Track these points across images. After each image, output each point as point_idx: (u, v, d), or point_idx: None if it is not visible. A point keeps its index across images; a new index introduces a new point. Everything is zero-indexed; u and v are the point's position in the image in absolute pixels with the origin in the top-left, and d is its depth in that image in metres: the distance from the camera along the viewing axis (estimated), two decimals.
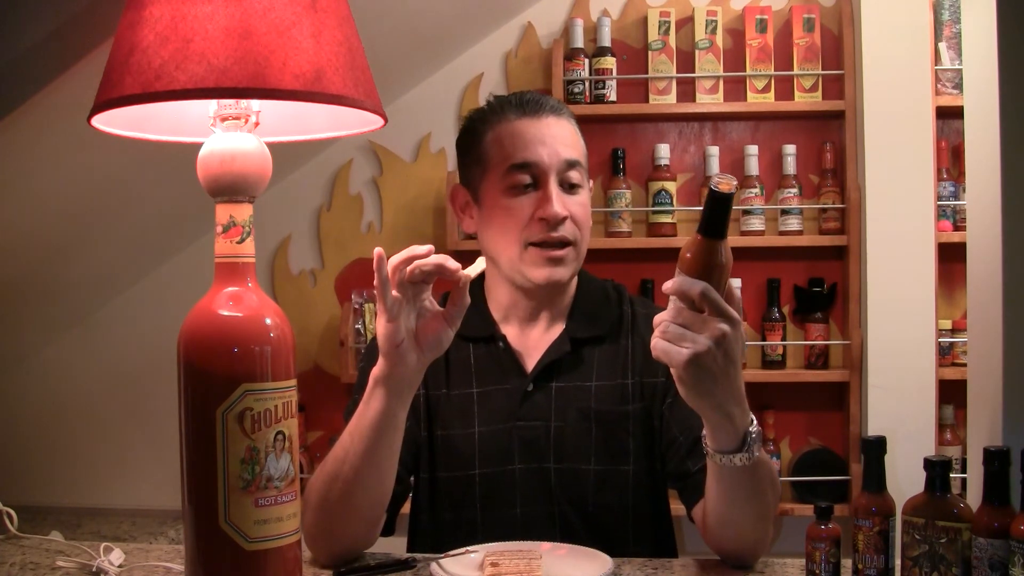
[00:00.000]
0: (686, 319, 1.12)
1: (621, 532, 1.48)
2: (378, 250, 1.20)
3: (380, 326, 1.23)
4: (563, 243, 1.45)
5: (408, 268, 1.19)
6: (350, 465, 1.29)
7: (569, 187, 1.47)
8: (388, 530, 1.44)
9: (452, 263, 1.20)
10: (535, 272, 1.45)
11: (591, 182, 1.59)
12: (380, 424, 1.26)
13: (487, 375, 1.50)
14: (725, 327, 1.12)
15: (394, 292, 1.20)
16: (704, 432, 1.23)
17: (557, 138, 1.47)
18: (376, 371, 1.26)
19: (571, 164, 1.47)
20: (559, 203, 1.44)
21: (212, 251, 1.11)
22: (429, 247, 1.20)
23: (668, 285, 1.12)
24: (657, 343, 1.13)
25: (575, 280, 1.55)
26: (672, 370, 1.14)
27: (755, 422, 1.21)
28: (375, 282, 1.21)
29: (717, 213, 1.10)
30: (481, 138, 1.50)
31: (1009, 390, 1.27)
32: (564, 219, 1.44)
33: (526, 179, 1.45)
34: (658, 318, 1.14)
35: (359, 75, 1.11)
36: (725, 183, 1.09)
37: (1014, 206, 1.27)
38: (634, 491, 1.48)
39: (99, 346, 3.00)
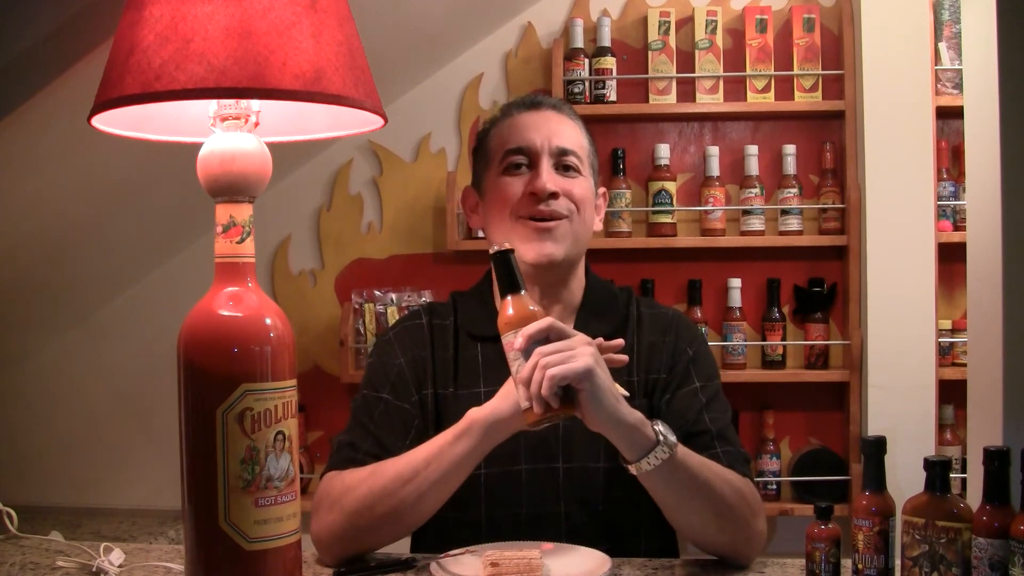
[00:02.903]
0: (553, 349, 1.22)
1: (631, 530, 1.49)
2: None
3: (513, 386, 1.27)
4: (554, 215, 1.47)
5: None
6: (415, 489, 1.32)
7: (565, 169, 1.50)
8: None
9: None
10: (526, 249, 1.46)
11: (604, 190, 1.61)
12: (465, 463, 1.32)
13: (495, 374, 1.50)
14: (587, 337, 1.26)
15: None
16: (620, 454, 1.30)
17: (553, 127, 1.51)
18: (480, 413, 1.30)
19: (565, 151, 1.50)
20: (549, 178, 1.47)
21: (212, 251, 1.11)
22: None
23: (519, 342, 1.23)
24: (549, 373, 1.19)
25: (583, 279, 1.56)
26: (580, 391, 1.22)
27: (656, 420, 1.30)
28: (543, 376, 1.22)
29: (508, 271, 1.28)
30: (487, 137, 1.57)
31: (1009, 390, 1.27)
32: (555, 194, 1.46)
33: (521, 160, 1.50)
34: (525, 369, 1.22)
35: (359, 75, 1.11)
36: (503, 245, 1.28)
37: (1014, 206, 1.27)
38: (642, 489, 1.48)
39: (99, 346, 3.00)
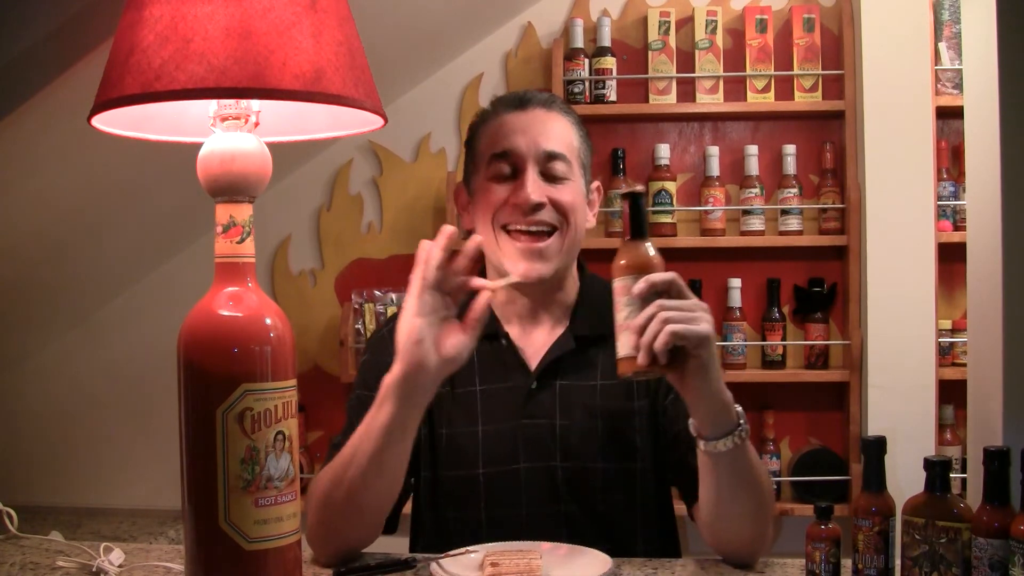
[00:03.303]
0: (677, 304, 1.17)
1: (630, 531, 1.48)
2: (450, 229, 1.21)
3: (404, 321, 1.21)
4: (541, 231, 1.44)
5: (435, 270, 1.20)
6: (356, 468, 1.28)
7: (552, 178, 1.46)
8: (391, 527, 1.44)
9: (480, 281, 1.23)
10: (513, 267, 1.44)
11: (597, 183, 1.57)
12: (390, 431, 1.25)
13: (491, 373, 1.50)
14: (706, 305, 1.20)
15: (429, 293, 1.20)
16: (696, 427, 1.26)
17: (540, 129, 1.46)
18: (390, 377, 1.24)
19: (552, 156, 1.46)
20: (534, 188, 1.43)
21: (212, 251, 1.11)
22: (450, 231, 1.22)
23: (640, 287, 1.17)
24: (669, 328, 1.14)
25: (577, 279, 1.55)
26: (692, 356, 1.17)
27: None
28: (421, 271, 1.20)
29: (638, 214, 1.22)
30: (475, 136, 1.53)
31: (1009, 390, 1.27)
32: (540, 205, 1.43)
33: (505, 168, 1.46)
34: (642, 316, 1.16)
35: (359, 75, 1.11)
36: (636, 186, 1.23)
37: (1014, 206, 1.27)
38: (642, 489, 1.48)
39: (99, 346, 3.00)
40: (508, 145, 1.46)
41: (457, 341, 1.22)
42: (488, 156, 1.47)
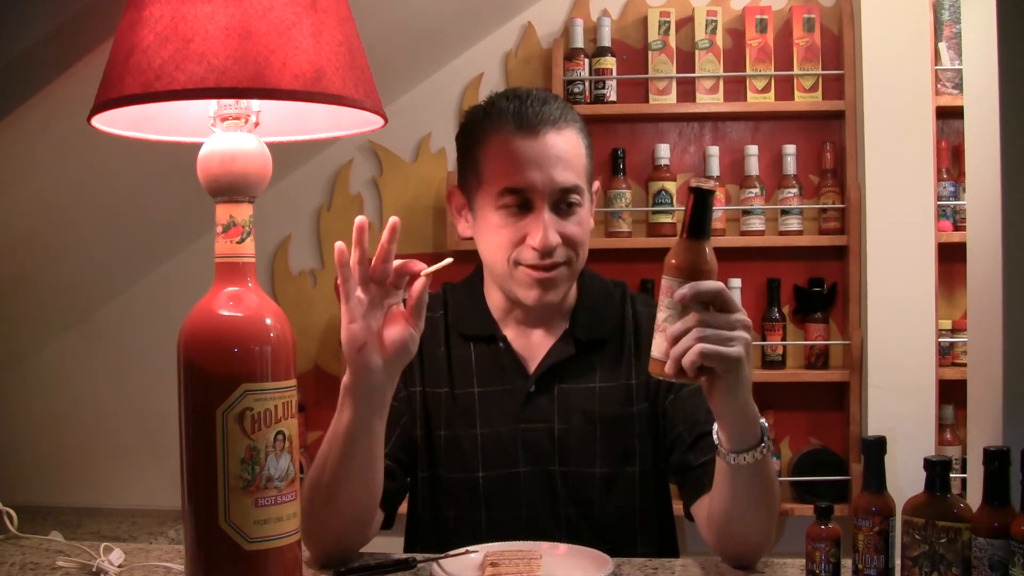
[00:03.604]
0: (715, 321, 1.13)
1: (628, 534, 1.48)
2: (360, 219, 1.15)
3: (343, 330, 1.19)
4: (554, 266, 1.42)
5: (374, 265, 1.16)
6: (329, 472, 1.27)
7: (567, 206, 1.43)
8: (387, 524, 1.44)
9: (418, 265, 1.18)
10: (524, 293, 1.43)
11: (596, 184, 1.55)
12: (354, 434, 1.24)
13: (489, 375, 1.50)
14: (748, 320, 1.16)
15: (359, 292, 1.17)
16: (720, 436, 1.23)
17: (554, 160, 1.41)
18: (344, 380, 1.23)
19: (567, 191, 1.41)
20: (551, 232, 1.39)
21: (212, 251, 1.11)
22: (362, 219, 1.15)
23: (684, 292, 1.12)
24: (700, 347, 1.11)
25: (575, 282, 1.54)
26: (719, 372, 1.14)
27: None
28: (338, 278, 1.16)
29: (700, 213, 1.13)
30: (477, 146, 1.46)
31: (1009, 390, 1.27)
32: (555, 247, 1.40)
33: (518, 203, 1.41)
34: (678, 326, 1.12)
35: (359, 75, 1.11)
36: (707, 182, 1.13)
37: (1014, 206, 1.27)
38: (641, 493, 1.48)
39: (99, 346, 3.00)
40: (522, 183, 1.40)
41: (400, 335, 1.19)
42: (499, 188, 1.41)
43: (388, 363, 1.20)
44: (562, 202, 1.42)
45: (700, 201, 1.13)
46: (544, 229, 1.39)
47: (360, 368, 1.20)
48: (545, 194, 1.40)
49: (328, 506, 1.29)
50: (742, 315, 1.15)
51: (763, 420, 1.22)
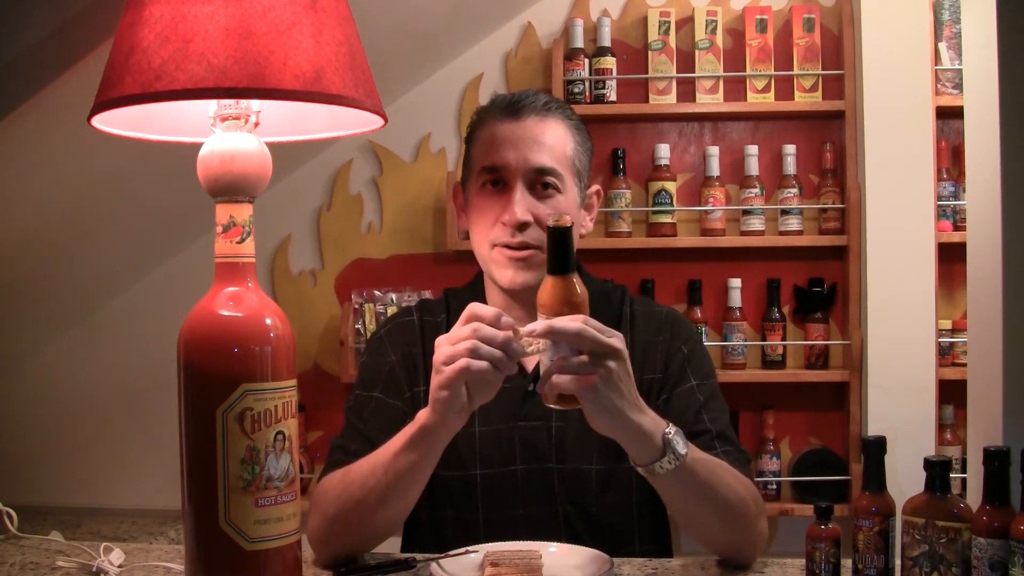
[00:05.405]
0: (572, 352, 1.16)
1: (625, 532, 1.49)
2: (507, 320, 1.20)
3: (435, 391, 1.21)
4: (525, 246, 1.44)
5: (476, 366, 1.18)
6: (378, 496, 1.30)
7: (543, 187, 1.45)
8: None
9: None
10: (500, 274, 1.45)
11: (596, 188, 1.57)
12: (420, 469, 1.28)
13: None
14: (616, 345, 1.17)
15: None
16: (628, 455, 1.25)
17: (531, 142, 1.44)
18: (424, 420, 1.24)
19: (541, 171, 1.44)
20: (521, 208, 1.42)
21: (212, 251, 1.11)
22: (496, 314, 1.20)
23: (538, 327, 1.16)
24: (555, 380, 1.15)
25: None
26: (584, 402, 1.17)
27: (670, 424, 1.24)
28: (443, 376, 1.18)
29: (562, 249, 1.18)
30: (470, 139, 1.53)
31: (1009, 390, 1.27)
32: (525, 224, 1.42)
33: (494, 181, 1.46)
34: (544, 360, 1.17)
35: (359, 75, 1.11)
36: (563, 219, 1.18)
37: (1014, 206, 1.27)
38: (637, 490, 1.48)
39: (99, 346, 3.00)
40: (497, 160, 1.45)
41: (487, 381, 1.21)
42: (479, 168, 1.48)
43: (471, 406, 1.23)
44: (537, 183, 1.45)
45: (559, 238, 1.18)
46: (514, 203, 1.42)
47: (446, 414, 1.22)
48: (518, 173, 1.44)
49: (363, 525, 1.33)
50: (614, 341, 1.16)
51: (669, 430, 1.23)
